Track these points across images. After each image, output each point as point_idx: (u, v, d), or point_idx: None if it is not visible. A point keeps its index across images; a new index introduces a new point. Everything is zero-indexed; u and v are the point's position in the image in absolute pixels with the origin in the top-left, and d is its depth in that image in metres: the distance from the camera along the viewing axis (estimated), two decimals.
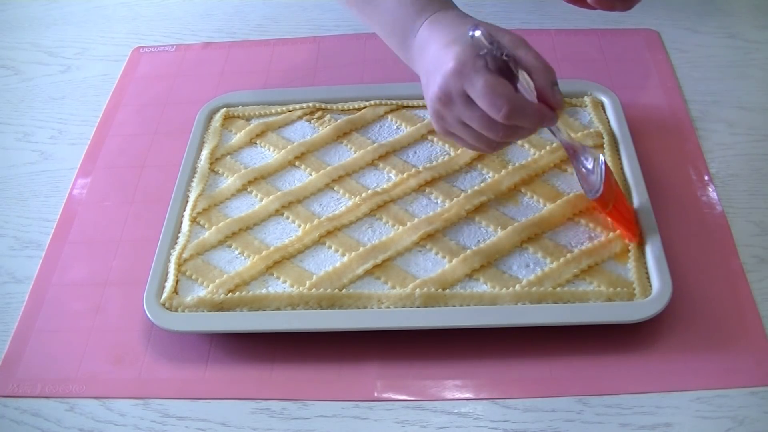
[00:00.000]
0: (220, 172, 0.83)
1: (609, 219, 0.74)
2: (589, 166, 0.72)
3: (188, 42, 1.06)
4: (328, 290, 0.71)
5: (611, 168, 0.76)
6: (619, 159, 0.80)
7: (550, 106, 0.65)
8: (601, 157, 0.72)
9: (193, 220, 0.78)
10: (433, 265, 0.73)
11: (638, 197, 0.76)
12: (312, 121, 0.87)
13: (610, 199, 0.72)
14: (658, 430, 0.64)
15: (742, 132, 0.87)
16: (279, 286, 0.72)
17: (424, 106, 0.87)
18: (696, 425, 0.64)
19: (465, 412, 0.66)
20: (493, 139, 0.67)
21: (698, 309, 0.71)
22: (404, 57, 0.75)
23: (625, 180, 0.78)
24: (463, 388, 0.68)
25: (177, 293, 0.72)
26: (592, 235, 0.74)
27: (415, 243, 0.74)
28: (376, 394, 0.68)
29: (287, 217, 0.78)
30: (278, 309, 0.70)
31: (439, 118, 0.69)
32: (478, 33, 0.64)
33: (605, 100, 0.86)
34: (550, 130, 0.70)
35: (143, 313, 0.71)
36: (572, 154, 0.73)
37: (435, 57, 0.67)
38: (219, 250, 0.75)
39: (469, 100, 0.65)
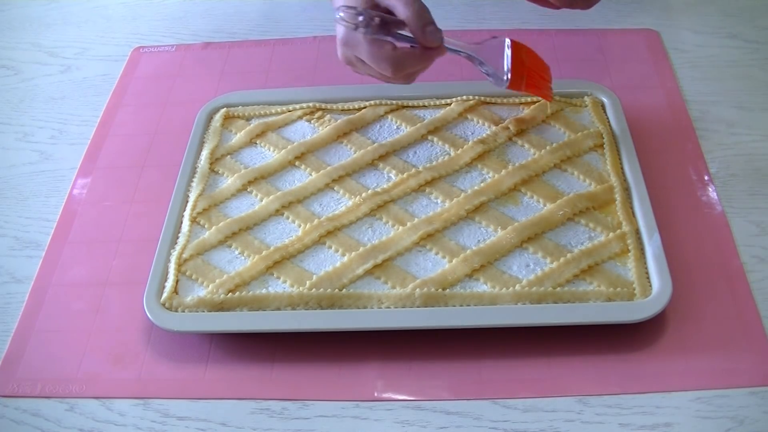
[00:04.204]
0: (220, 172, 0.83)
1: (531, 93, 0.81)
2: (488, 67, 0.77)
3: (188, 42, 1.06)
4: (328, 290, 0.71)
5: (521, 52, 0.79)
6: (619, 159, 0.80)
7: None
8: (507, 41, 0.77)
9: (193, 220, 0.78)
10: (433, 265, 0.73)
11: (638, 197, 0.76)
12: (312, 121, 0.87)
13: (521, 80, 0.78)
14: (658, 430, 0.64)
15: (742, 132, 0.87)
16: (279, 286, 0.72)
17: (424, 106, 0.88)
18: (696, 425, 0.64)
19: (465, 412, 0.66)
20: (401, 78, 0.75)
21: (698, 309, 0.71)
22: None
23: (625, 180, 0.78)
24: (463, 388, 0.68)
25: (177, 293, 0.72)
26: (592, 235, 0.74)
27: (415, 243, 0.74)
28: (376, 394, 0.68)
29: (287, 217, 0.78)
30: (278, 309, 0.70)
31: (353, 69, 0.77)
32: (341, 14, 0.71)
33: (605, 100, 0.86)
34: (451, 51, 0.74)
35: (143, 313, 0.71)
36: (473, 60, 0.77)
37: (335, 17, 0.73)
38: (219, 250, 0.75)
39: (363, 62, 0.74)
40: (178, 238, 0.77)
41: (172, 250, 0.75)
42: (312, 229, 0.76)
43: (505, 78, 0.77)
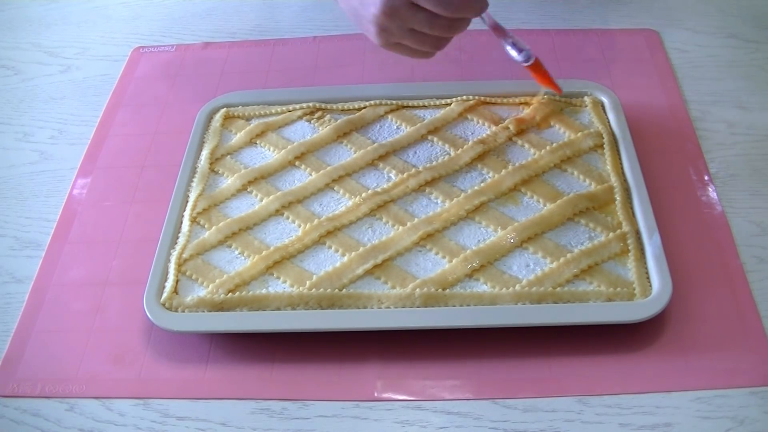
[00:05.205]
0: (220, 172, 0.83)
1: (539, 80, 0.82)
2: (517, 42, 0.78)
3: (188, 42, 1.06)
4: (328, 290, 0.71)
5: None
6: (619, 159, 0.80)
7: None
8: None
9: (193, 220, 0.78)
10: (433, 265, 0.73)
11: (638, 197, 0.76)
12: (312, 121, 0.87)
13: (540, 65, 0.80)
14: (658, 430, 0.64)
15: (742, 132, 0.87)
16: (279, 286, 0.72)
17: (424, 106, 0.87)
18: (696, 425, 0.64)
19: (465, 412, 0.66)
20: (439, 36, 0.72)
21: (698, 309, 0.71)
22: None
23: (625, 180, 0.78)
24: (463, 388, 0.68)
25: (177, 293, 0.72)
26: (592, 235, 0.74)
27: (415, 243, 0.74)
28: (376, 394, 0.68)
29: (287, 217, 0.78)
30: (278, 309, 0.70)
31: (382, 32, 0.72)
32: None
33: (605, 100, 0.86)
34: (481, 18, 0.75)
35: (143, 313, 0.71)
36: (500, 33, 0.78)
37: None
38: (219, 250, 0.75)
39: (413, 7, 0.69)
40: (178, 238, 0.77)
41: (172, 250, 0.75)
42: (312, 229, 0.76)
43: (532, 56, 0.78)
